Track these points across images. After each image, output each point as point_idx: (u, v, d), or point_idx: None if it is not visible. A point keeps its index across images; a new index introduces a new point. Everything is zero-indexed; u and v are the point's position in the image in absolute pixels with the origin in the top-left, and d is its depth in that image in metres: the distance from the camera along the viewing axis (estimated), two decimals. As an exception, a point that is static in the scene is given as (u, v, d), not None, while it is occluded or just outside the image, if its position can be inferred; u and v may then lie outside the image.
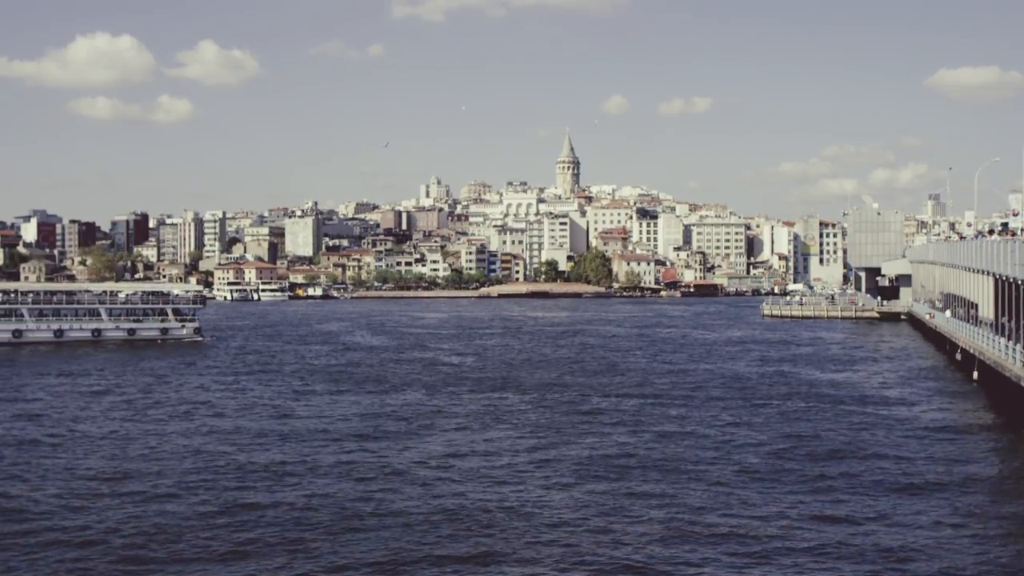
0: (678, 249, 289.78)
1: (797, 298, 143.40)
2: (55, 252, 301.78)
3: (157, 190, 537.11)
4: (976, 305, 58.64)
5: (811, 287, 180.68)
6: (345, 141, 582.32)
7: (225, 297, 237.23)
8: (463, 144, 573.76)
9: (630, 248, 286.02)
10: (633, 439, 37.65)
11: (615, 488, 29.45)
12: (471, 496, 28.48)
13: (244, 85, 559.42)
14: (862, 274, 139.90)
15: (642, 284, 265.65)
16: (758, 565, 22.27)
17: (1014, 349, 40.68)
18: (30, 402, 49.21)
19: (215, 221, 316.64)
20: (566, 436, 38.39)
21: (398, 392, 52.86)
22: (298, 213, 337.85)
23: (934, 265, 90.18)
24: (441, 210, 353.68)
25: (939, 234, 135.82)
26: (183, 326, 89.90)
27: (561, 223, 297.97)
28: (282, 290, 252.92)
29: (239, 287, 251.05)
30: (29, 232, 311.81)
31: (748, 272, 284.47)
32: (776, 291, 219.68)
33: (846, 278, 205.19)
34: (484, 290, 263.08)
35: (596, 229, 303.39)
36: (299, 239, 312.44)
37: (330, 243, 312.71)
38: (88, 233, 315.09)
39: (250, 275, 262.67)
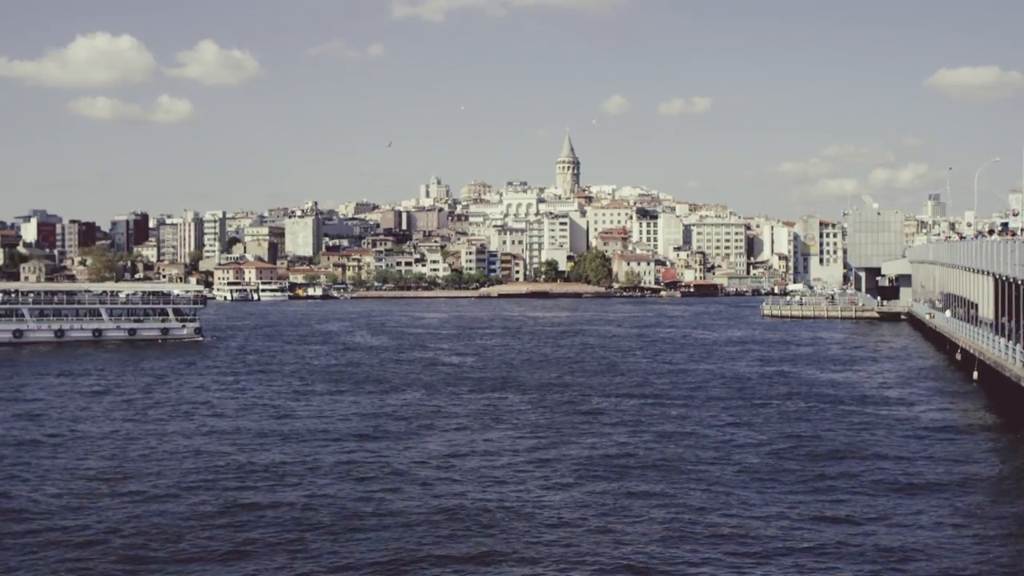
0: (678, 249, 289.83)
1: (797, 298, 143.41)
2: (55, 252, 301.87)
3: (157, 190, 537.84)
4: (976, 305, 58.64)
5: (811, 287, 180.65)
6: (345, 141, 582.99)
7: (225, 297, 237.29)
8: (463, 144, 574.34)
9: (630, 248, 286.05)
10: (633, 439, 37.66)
11: (615, 488, 29.46)
12: (471, 496, 28.48)
13: (244, 85, 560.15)
14: (862, 274, 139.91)
15: (642, 284, 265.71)
16: (758, 565, 22.28)
17: (1014, 349, 40.69)
18: (30, 402, 49.22)
19: (215, 221, 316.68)
20: (566, 436, 38.40)
21: (398, 392, 52.87)
22: (298, 213, 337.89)
23: (934, 265, 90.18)
24: (441, 210, 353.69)
25: (939, 234, 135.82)
26: (184, 326, 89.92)
27: (561, 223, 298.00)
28: (282, 290, 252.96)
29: (239, 287, 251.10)
30: (29, 232, 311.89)
31: (748, 272, 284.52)
32: (776, 291, 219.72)
33: (846, 278, 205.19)
34: (484, 290, 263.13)
35: (596, 229, 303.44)
36: (299, 239, 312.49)
37: (330, 243, 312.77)
38: (88, 233, 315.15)
39: (250, 275, 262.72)
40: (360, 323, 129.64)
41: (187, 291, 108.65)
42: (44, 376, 60.79)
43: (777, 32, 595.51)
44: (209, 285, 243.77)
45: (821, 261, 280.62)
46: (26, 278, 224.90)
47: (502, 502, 27.78)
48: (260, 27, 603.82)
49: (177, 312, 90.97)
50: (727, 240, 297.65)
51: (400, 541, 24.18)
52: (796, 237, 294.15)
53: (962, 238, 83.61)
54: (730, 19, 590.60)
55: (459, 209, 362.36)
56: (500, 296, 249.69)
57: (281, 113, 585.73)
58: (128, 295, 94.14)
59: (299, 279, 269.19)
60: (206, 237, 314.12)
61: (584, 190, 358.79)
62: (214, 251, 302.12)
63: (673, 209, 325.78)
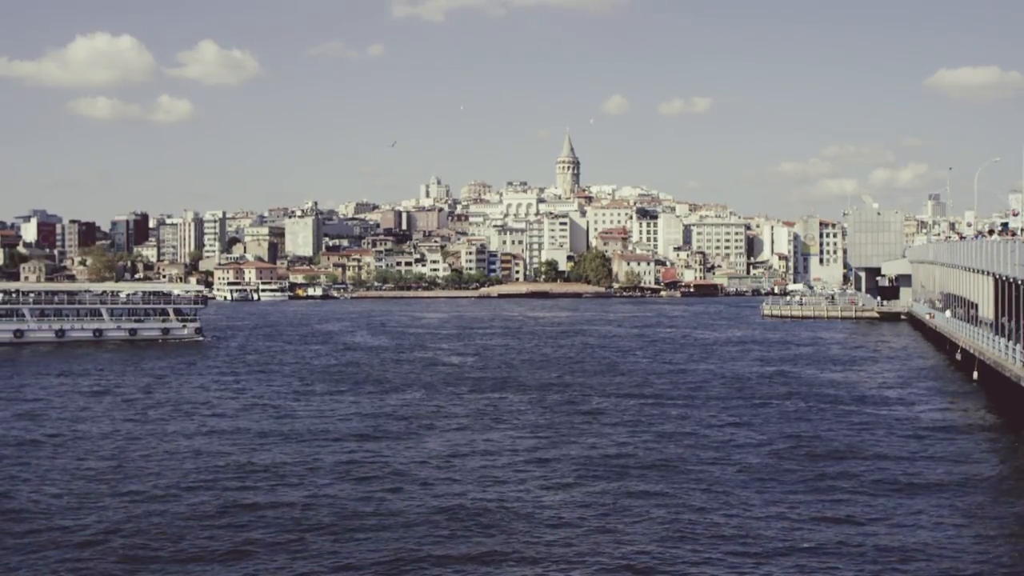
0: (678, 249, 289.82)
1: (797, 298, 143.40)
2: (55, 252, 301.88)
3: (157, 190, 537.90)
4: (976, 305, 58.65)
5: (811, 287, 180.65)
6: (345, 141, 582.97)
7: (225, 297, 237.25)
8: (463, 144, 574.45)
9: (630, 248, 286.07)
10: (633, 439, 37.67)
11: (615, 488, 29.46)
12: (471, 496, 28.49)
13: (244, 85, 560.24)
14: (862, 274, 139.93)
15: (642, 284, 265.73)
16: (758, 565, 22.29)
17: (1014, 349, 40.69)
18: (31, 402, 49.23)
19: (215, 221, 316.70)
20: (566, 436, 38.41)
21: (398, 392, 52.87)
22: (298, 213, 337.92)
23: (934, 265, 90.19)
24: (441, 210, 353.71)
25: (939, 234, 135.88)
26: (184, 326, 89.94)
27: (561, 223, 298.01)
28: (282, 290, 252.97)
29: (239, 287, 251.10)
30: (29, 232, 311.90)
31: (748, 272, 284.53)
32: (776, 291, 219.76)
33: (846, 278, 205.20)
34: (484, 290, 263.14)
35: (596, 229, 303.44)
36: (299, 239, 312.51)
37: (330, 243, 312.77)
38: (88, 233, 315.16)
39: (250, 275, 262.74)
40: (360, 323, 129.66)
41: (188, 291, 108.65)
42: (45, 376, 60.80)
43: (777, 32, 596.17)
44: (209, 285, 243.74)
45: (821, 261, 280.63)
46: (26, 278, 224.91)
47: (502, 502, 27.78)
48: (260, 27, 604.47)
49: (178, 312, 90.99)
50: (727, 240, 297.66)
51: (400, 541, 24.19)
52: (796, 237, 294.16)
53: (962, 238, 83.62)
54: (730, 19, 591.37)
55: (459, 209, 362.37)
56: (500, 296, 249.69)
57: (281, 113, 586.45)
58: (129, 295, 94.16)
59: (299, 279, 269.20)
60: (206, 237, 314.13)
61: (584, 190, 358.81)
62: (214, 251, 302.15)
63: (673, 209, 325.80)
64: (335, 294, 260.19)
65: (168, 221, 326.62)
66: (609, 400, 48.97)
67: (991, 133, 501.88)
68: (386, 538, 24.43)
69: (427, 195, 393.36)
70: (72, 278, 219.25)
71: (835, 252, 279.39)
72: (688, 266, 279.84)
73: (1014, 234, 55.07)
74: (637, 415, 43.84)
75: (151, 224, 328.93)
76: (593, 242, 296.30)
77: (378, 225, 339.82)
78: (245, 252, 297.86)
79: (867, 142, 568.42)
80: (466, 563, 22.59)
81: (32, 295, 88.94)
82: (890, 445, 36.30)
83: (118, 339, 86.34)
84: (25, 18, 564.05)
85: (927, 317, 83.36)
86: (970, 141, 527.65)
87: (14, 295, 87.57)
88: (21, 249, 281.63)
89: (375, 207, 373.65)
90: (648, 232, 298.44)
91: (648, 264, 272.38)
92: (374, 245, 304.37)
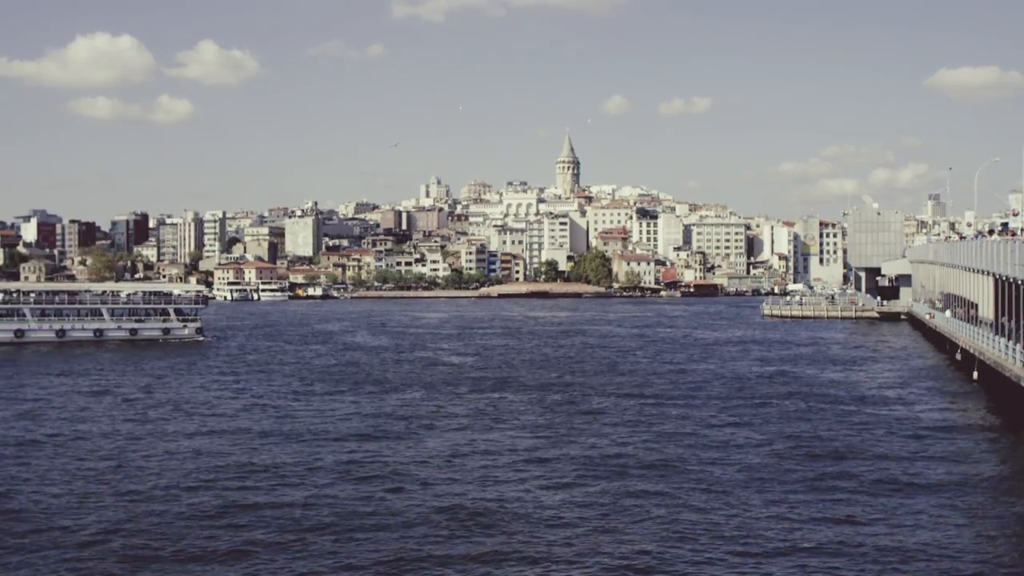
0: (678, 249, 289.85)
1: (797, 298, 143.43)
2: (55, 252, 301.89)
3: (157, 190, 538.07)
4: (976, 305, 58.65)
5: (811, 287, 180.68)
6: (345, 141, 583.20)
7: (225, 297, 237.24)
8: (463, 144, 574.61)
9: (630, 248, 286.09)
10: (633, 439, 37.67)
11: (615, 488, 29.47)
12: (471, 496, 28.50)
13: (244, 85, 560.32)
14: (862, 274, 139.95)
15: (642, 284, 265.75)
16: (758, 565, 22.29)
17: (1014, 349, 40.70)
18: (31, 402, 49.23)
19: (215, 221, 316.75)
20: (566, 436, 38.41)
21: (398, 392, 52.88)
22: (298, 213, 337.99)
23: (934, 265, 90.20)
24: (441, 210, 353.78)
25: (939, 234, 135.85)
26: (185, 326, 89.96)
27: (561, 223, 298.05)
28: (282, 290, 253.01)
29: (239, 287, 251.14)
30: (29, 232, 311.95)
31: (748, 272, 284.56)
32: (776, 291, 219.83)
33: (846, 278, 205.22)
34: (484, 290, 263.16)
35: (596, 229, 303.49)
36: (299, 239, 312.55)
37: (330, 243, 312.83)
38: (88, 233, 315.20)
39: (250, 275, 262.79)
40: (360, 323, 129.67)
41: (188, 291, 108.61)
42: (45, 376, 60.80)
43: (777, 32, 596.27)
44: (209, 285, 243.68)
45: (821, 261, 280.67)
46: (26, 278, 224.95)
47: (502, 502, 27.79)
48: (260, 27, 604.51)
49: (178, 312, 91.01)
50: (727, 240, 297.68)
51: (400, 541, 24.19)
52: (796, 237, 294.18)
53: (962, 238, 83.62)
54: (730, 19, 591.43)
55: (459, 209, 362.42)
56: (500, 296, 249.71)
57: (281, 113, 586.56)
58: (129, 295, 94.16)
59: (299, 279, 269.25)
60: (206, 237, 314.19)
61: (584, 190, 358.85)
62: (214, 251, 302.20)
63: (673, 209, 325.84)
64: (335, 294, 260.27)
65: (168, 221, 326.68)
66: (609, 400, 48.97)
67: (991, 133, 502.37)
68: (386, 538, 24.44)
69: (427, 195, 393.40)
70: (72, 278, 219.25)
71: (835, 252, 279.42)
72: (688, 266, 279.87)
73: (1014, 234, 55.07)
74: (637, 415, 43.85)
75: (151, 224, 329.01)
76: (593, 242, 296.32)
77: (378, 225, 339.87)
78: (245, 252, 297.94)
79: (867, 142, 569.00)
80: (466, 563, 22.59)
81: (33, 295, 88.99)
82: (890, 445, 36.30)
83: (119, 339, 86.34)
84: (25, 18, 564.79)
85: (927, 317, 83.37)
86: (970, 141, 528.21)
87: (15, 295, 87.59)
88: (21, 249, 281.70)
89: (375, 207, 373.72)
90: (648, 232, 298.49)
91: (648, 264, 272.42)
92: (374, 245, 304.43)
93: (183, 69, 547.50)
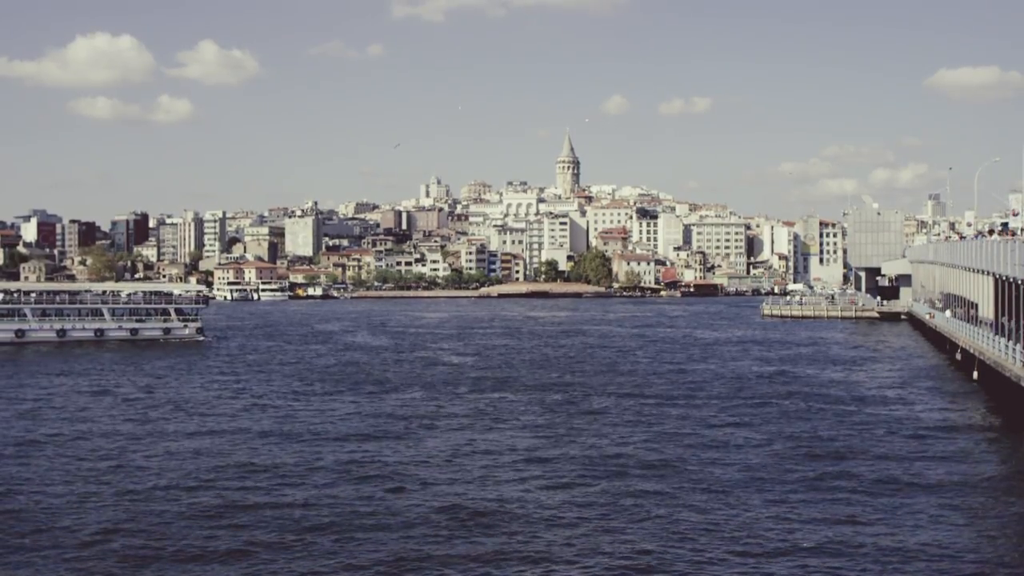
0: (678, 249, 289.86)
1: (797, 298, 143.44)
2: (55, 252, 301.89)
3: (157, 190, 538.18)
4: (976, 305, 58.66)
5: (811, 287, 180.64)
6: (345, 141, 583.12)
7: (225, 297, 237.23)
8: (463, 144, 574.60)
9: (630, 248, 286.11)
10: (633, 439, 37.68)
11: (615, 488, 29.47)
12: (471, 496, 28.50)
13: (244, 85, 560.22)
14: (862, 274, 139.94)
15: (642, 284, 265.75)
16: (759, 565, 22.29)
17: (1014, 349, 40.70)
18: (32, 402, 49.23)
19: (215, 221, 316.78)
20: (566, 436, 38.42)
21: (398, 392, 52.89)
22: (298, 213, 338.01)
23: (934, 265, 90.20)
24: (441, 210, 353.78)
25: (939, 234, 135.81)
26: (186, 326, 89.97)
27: (561, 223, 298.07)
28: (282, 290, 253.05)
29: (239, 287, 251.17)
30: (29, 232, 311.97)
31: (748, 272, 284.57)
32: (776, 291, 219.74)
33: (846, 278, 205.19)
34: (484, 290, 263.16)
35: (596, 229, 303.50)
36: (299, 239, 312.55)
37: (330, 243, 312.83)
38: (88, 233, 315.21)
39: (250, 275, 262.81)
40: (360, 323, 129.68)
41: (188, 291, 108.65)
42: (45, 376, 60.81)
43: (777, 32, 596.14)
44: (209, 285, 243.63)
45: (821, 261, 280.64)
46: (26, 278, 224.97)
47: (502, 502, 27.80)
48: (260, 27, 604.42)
49: (179, 312, 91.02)
50: (727, 240, 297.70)
51: (401, 541, 24.20)
52: (796, 237, 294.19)
53: (962, 238, 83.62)
54: (730, 19, 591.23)
55: (459, 209, 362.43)
56: (500, 296, 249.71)
57: (281, 113, 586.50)
58: (130, 295, 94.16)
59: (299, 279, 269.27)
60: (206, 237, 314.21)
61: (584, 190, 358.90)
62: (214, 251, 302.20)
63: (673, 209, 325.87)
64: (335, 294, 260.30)
65: (168, 221, 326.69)
66: (609, 400, 48.98)
67: (991, 133, 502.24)
68: (386, 538, 24.44)
69: (427, 195, 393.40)
70: (72, 278, 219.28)
71: (835, 252, 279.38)
72: (688, 266, 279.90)
73: (1014, 234, 55.07)
74: (637, 415, 43.85)
75: (151, 224, 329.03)
76: (593, 242, 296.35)
77: (378, 225, 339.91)
78: (245, 252, 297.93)
79: (867, 142, 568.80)
80: (466, 563, 22.59)
81: (33, 295, 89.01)
82: (890, 445, 36.31)
83: (119, 339, 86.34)
84: (25, 18, 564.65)
85: (927, 317, 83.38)
86: (970, 141, 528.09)
87: (15, 295, 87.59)
88: (21, 249, 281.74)
89: (375, 207, 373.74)
90: (648, 232, 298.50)
91: (648, 264, 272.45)
92: (374, 245, 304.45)
93: (183, 69, 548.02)
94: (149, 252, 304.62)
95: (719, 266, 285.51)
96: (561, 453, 34.87)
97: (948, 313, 70.94)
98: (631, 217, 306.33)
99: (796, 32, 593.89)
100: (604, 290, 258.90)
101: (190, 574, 22.08)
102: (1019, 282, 43.05)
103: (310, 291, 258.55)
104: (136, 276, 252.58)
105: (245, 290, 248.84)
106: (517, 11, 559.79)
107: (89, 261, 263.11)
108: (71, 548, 23.76)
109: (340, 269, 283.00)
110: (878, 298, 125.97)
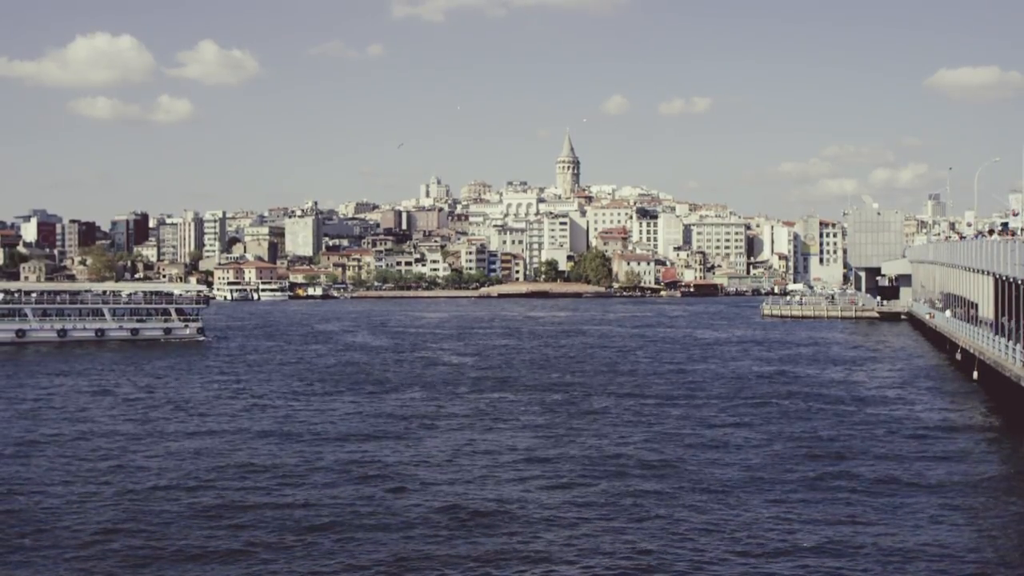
0: (678, 249, 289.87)
1: (797, 298, 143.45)
2: (55, 252, 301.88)
3: (157, 190, 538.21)
4: (976, 305, 58.66)
5: (811, 287, 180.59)
6: (345, 141, 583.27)
7: (225, 297, 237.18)
8: (463, 144, 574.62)
9: (630, 248, 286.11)
10: (633, 439, 37.69)
11: (615, 488, 29.48)
12: (471, 496, 28.51)
13: (244, 85, 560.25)
14: (862, 274, 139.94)
15: (642, 284, 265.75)
16: (758, 565, 22.30)
17: (1014, 349, 40.71)
18: (32, 402, 49.24)
19: (215, 221, 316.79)
20: (566, 436, 38.43)
21: (398, 392, 52.90)
22: (298, 213, 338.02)
23: (934, 265, 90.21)
24: (441, 210, 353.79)
25: (939, 234, 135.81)
26: (186, 326, 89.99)
27: (561, 223, 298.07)
28: (282, 290, 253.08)
29: (239, 287, 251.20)
30: (29, 232, 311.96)
31: (748, 272, 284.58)
32: (776, 291, 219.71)
33: (846, 278, 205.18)
34: (484, 290, 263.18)
35: (596, 229, 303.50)
36: (299, 239, 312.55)
37: (330, 243, 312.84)
38: (88, 233, 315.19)
39: (250, 275, 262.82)
40: (360, 323, 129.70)
41: (189, 291, 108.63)
42: (46, 376, 60.81)
43: (777, 32, 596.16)
44: (209, 285, 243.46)
45: (821, 261, 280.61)
46: (26, 278, 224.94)
47: (502, 502, 27.81)
48: (260, 27, 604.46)
49: (180, 312, 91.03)
50: (727, 240, 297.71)
51: (400, 541, 24.21)
52: (796, 237, 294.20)
53: (962, 238, 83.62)
54: (730, 19, 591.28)
55: (459, 209, 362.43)
56: (500, 296, 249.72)
57: (281, 113, 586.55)
58: (130, 295, 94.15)
59: (299, 279, 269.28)
60: (206, 237, 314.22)
61: (584, 190, 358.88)
62: (214, 251, 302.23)
63: (673, 209, 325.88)
64: (335, 294, 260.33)
65: (168, 221, 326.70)
66: (609, 400, 48.99)
67: (991, 133, 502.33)
68: (386, 538, 24.45)
69: (427, 195, 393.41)
70: (72, 278, 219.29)
71: (835, 252, 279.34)
72: (688, 266, 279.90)
73: (1014, 234, 55.08)
74: (637, 415, 43.86)
75: (151, 224, 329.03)
76: (593, 242, 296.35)
77: (378, 225, 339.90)
78: (245, 252, 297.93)
79: (867, 142, 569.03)
80: (467, 563, 22.60)
81: (34, 295, 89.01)
82: (890, 445, 36.32)
83: (120, 339, 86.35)
84: (25, 18, 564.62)
85: (927, 317, 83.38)
86: (970, 141, 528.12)
87: (16, 295, 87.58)
88: (21, 249, 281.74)
89: (375, 207, 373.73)
90: (648, 232, 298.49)
91: (648, 264, 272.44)
92: (374, 245, 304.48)
93: (183, 69, 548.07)
94: (149, 252, 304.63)
95: (719, 266, 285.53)
96: (561, 453, 34.88)
97: (948, 313, 70.95)
98: (631, 217, 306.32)
99: (796, 32, 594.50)
100: (604, 290, 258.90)
101: (190, 574, 22.09)
102: (1019, 282, 43.05)
103: (310, 291, 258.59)
104: (136, 276, 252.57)
105: (245, 290, 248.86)
106: (517, 11, 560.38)
107: (89, 261, 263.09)
108: (71, 548, 23.77)
109: (340, 269, 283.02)
110: (878, 298, 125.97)
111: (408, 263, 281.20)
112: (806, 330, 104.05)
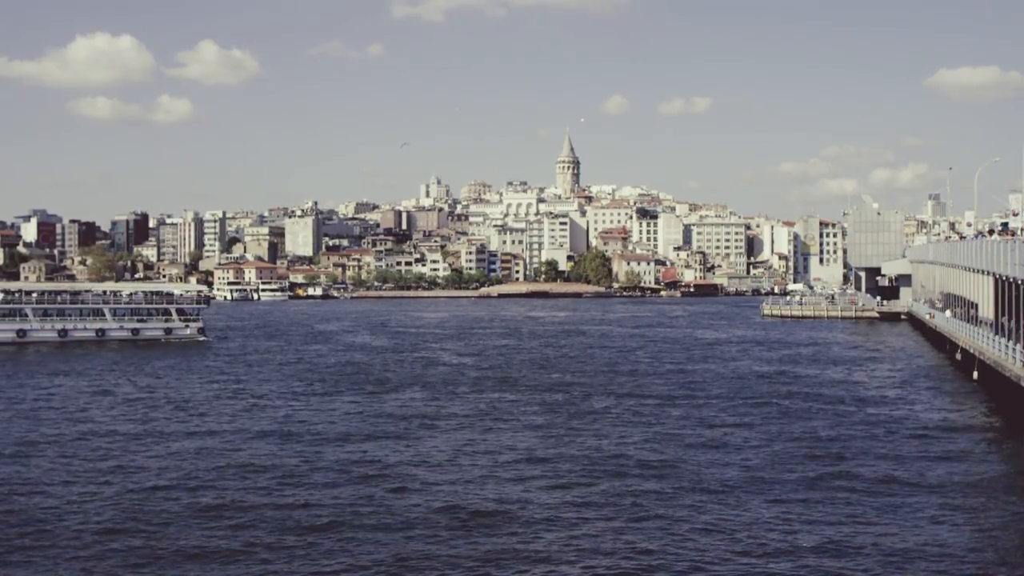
0: (678, 249, 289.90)
1: (797, 298, 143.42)
2: (55, 252, 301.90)
3: (157, 190, 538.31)
4: (976, 305, 58.67)
5: (811, 287, 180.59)
6: (345, 141, 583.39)
7: (225, 297, 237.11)
8: (463, 144, 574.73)
9: (630, 248, 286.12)
10: (633, 439, 37.69)
11: (615, 488, 29.48)
12: (471, 496, 28.52)
13: (244, 85, 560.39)
14: (862, 274, 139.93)
15: (642, 284, 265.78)
16: (758, 565, 22.30)
17: (1014, 349, 40.72)
18: (32, 402, 49.24)
19: (215, 221, 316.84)
20: (566, 436, 38.43)
21: (398, 392, 52.90)
22: (298, 213, 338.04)
23: (934, 265, 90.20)
24: (441, 210, 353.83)
25: (939, 234, 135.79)
26: (187, 326, 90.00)
27: (561, 223, 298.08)
28: (282, 290, 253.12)
29: (239, 287, 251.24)
30: (29, 232, 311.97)
31: (748, 272, 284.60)
32: (776, 291, 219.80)
33: (846, 278, 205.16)
34: (484, 290, 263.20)
35: (596, 229, 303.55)
36: (299, 239, 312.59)
37: (330, 243, 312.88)
38: (88, 233, 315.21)
39: (250, 275, 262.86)
40: (360, 323, 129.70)
41: (189, 291, 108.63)
42: (46, 376, 60.81)
43: (777, 32, 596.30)
44: (209, 285, 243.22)
45: (821, 261, 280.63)
46: (26, 278, 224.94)
47: (502, 502, 27.81)
48: (260, 27, 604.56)
49: (180, 312, 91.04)
50: (727, 240, 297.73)
51: (401, 541, 24.21)
52: (796, 237, 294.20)
53: (962, 238, 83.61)
54: (730, 19, 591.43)
55: (459, 209, 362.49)
56: (500, 296, 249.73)
57: (281, 113, 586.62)
58: (131, 295, 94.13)
59: (299, 279, 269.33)
60: (206, 237, 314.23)
61: (584, 190, 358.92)
62: (214, 251, 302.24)
63: (673, 209, 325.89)
64: (335, 294, 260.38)
65: (168, 221, 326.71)
66: (609, 400, 48.99)
67: (991, 133, 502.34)
68: (386, 538, 24.45)
69: (427, 195, 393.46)
70: (72, 278, 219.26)
71: (835, 252, 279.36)
72: (688, 266, 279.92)
73: (1014, 234, 55.08)
74: (637, 415, 43.86)
75: (151, 224, 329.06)
76: (593, 242, 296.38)
77: (378, 225, 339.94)
78: (245, 252, 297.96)
79: (867, 142, 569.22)
80: (467, 563, 22.60)
81: (35, 295, 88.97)
82: (890, 445, 36.32)
83: (120, 339, 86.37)
84: (25, 18, 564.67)
85: (927, 317, 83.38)
86: (970, 141, 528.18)
87: (16, 295, 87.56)
88: (21, 249, 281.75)
89: (375, 207, 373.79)
90: (648, 232, 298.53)
91: (648, 264, 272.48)
92: (374, 245, 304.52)
93: (183, 69, 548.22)
94: (149, 252, 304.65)
95: (719, 266, 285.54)
96: (561, 453, 34.88)
97: (948, 313, 70.95)
98: (631, 217, 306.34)
99: (796, 32, 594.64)
100: (604, 290, 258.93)
101: (190, 574, 22.09)
102: (1019, 282, 43.05)
103: (310, 291, 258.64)
104: (136, 276, 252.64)
105: (245, 290, 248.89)
106: (517, 11, 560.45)
107: (89, 261, 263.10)
108: (71, 548, 23.77)
109: (340, 269, 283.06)
110: (878, 298, 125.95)
111: (408, 263, 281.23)
112: (806, 330, 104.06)
